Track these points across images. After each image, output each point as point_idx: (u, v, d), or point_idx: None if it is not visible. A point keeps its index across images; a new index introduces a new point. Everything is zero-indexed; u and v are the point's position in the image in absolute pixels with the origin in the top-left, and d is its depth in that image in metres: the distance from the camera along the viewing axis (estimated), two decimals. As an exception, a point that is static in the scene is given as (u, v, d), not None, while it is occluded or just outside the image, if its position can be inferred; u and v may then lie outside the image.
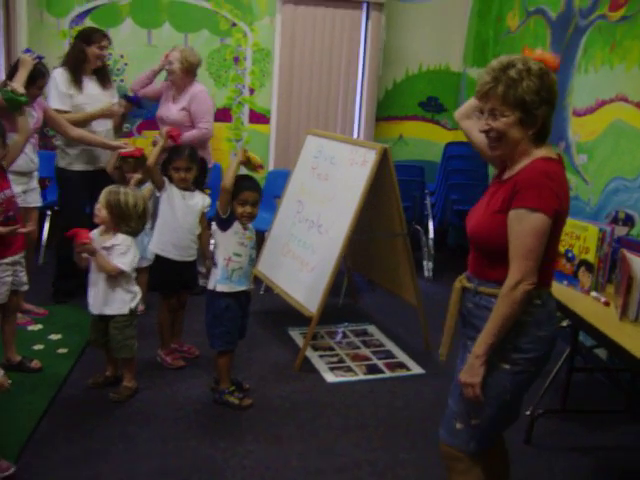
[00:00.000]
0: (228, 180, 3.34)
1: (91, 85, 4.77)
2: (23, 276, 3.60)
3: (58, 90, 4.64)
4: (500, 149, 2.16)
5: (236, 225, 3.44)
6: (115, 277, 3.42)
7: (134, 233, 3.48)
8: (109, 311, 3.48)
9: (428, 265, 5.91)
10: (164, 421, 3.41)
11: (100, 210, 3.41)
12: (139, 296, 3.57)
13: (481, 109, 2.18)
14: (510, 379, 2.18)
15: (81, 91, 4.70)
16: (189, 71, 4.96)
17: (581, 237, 3.24)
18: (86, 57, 4.70)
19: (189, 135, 4.85)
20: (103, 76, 4.86)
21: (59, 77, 4.67)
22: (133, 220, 3.44)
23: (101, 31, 4.80)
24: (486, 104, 2.14)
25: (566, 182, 2.15)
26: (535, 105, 2.08)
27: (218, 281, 3.49)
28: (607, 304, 3.05)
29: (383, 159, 4.00)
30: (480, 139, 2.29)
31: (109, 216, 3.41)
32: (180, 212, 3.87)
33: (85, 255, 3.40)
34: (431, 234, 5.89)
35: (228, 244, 3.45)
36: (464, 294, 2.30)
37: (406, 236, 4.24)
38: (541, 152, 2.13)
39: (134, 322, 3.57)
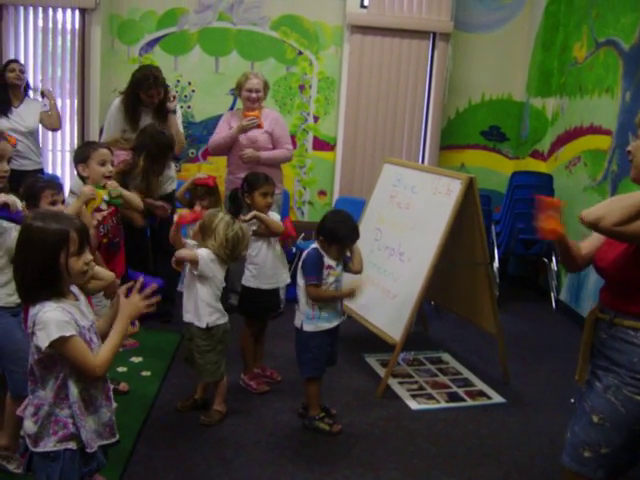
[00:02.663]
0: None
1: (147, 120, 4.83)
2: None
3: (110, 125, 4.86)
4: (633, 171, 2.28)
5: (323, 271, 3.48)
6: (200, 285, 3.50)
7: (223, 257, 3.52)
8: (188, 318, 3.57)
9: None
10: (257, 446, 3.44)
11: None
12: (221, 317, 3.58)
13: None
14: None
15: (136, 127, 4.76)
16: (266, 94, 5.07)
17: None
18: (138, 98, 4.78)
19: (275, 154, 5.00)
20: (159, 112, 4.87)
21: (115, 110, 4.85)
22: (217, 241, 3.48)
23: (150, 79, 4.71)
24: None
25: None
26: None
27: (304, 321, 3.52)
28: None
29: (468, 189, 4.04)
30: None
31: (198, 230, 3.53)
32: (272, 240, 3.93)
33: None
34: (496, 263, 5.89)
35: None
36: (597, 325, 2.35)
37: (488, 265, 4.26)
38: None
39: (217, 347, 3.59)
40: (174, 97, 4.99)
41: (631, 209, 2.12)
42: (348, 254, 3.63)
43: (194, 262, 3.43)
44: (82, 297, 2.30)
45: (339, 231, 3.46)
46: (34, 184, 3.15)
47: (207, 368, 3.59)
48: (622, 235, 2.18)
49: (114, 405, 2.40)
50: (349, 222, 3.54)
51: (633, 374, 2.23)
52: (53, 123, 5.40)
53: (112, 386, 2.69)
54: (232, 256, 3.56)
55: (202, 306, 3.52)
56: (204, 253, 3.47)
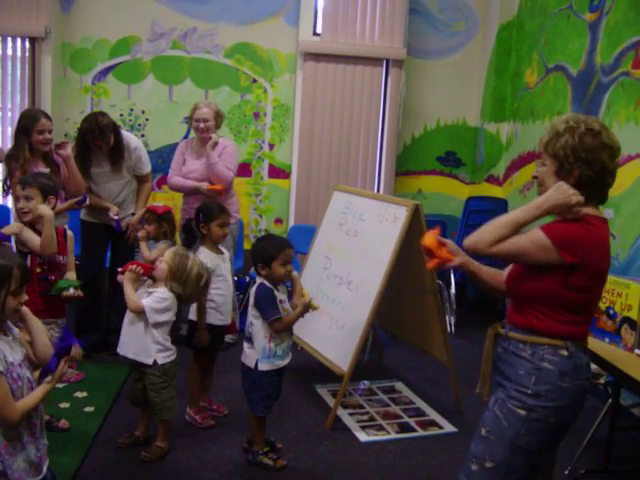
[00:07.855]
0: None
1: (101, 163, 4.79)
2: None
3: None
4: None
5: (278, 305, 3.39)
6: (143, 321, 3.38)
7: (183, 299, 3.44)
8: (130, 355, 3.46)
9: (450, 320, 5.86)
10: (199, 483, 3.35)
11: (161, 262, 3.39)
12: (171, 354, 3.49)
13: None
14: (526, 426, 2.21)
15: (86, 174, 4.69)
16: (219, 124, 5.01)
17: (623, 294, 3.22)
18: (88, 147, 4.69)
19: (220, 166, 4.91)
20: (113, 156, 4.79)
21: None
22: (189, 287, 3.40)
23: (95, 131, 4.60)
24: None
25: (602, 238, 2.26)
26: (569, 160, 2.21)
27: (260, 360, 3.40)
28: (653, 362, 3.03)
29: (414, 215, 4.00)
30: None
31: (168, 273, 3.38)
32: (228, 275, 3.87)
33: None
34: (453, 289, 5.86)
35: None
36: (497, 340, 2.40)
37: (437, 293, 4.22)
38: (585, 210, 2.22)
39: (172, 382, 3.51)
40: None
41: (500, 229, 2.21)
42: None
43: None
44: (15, 330, 2.23)
45: (268, 246, 3.40)
46: None
47: (165, 405, 3.48)
48: (499, 255, 2.24)
49: (43, 441, 2.32)
50: (271, 237, 3.64)
51: (518, 387, 2.24)
52: None
53: (47, 419, 2.60)
54: (195, 296, 3.52)
55: (151, 346, 3.41)
56: (152, 301, 3.35)
